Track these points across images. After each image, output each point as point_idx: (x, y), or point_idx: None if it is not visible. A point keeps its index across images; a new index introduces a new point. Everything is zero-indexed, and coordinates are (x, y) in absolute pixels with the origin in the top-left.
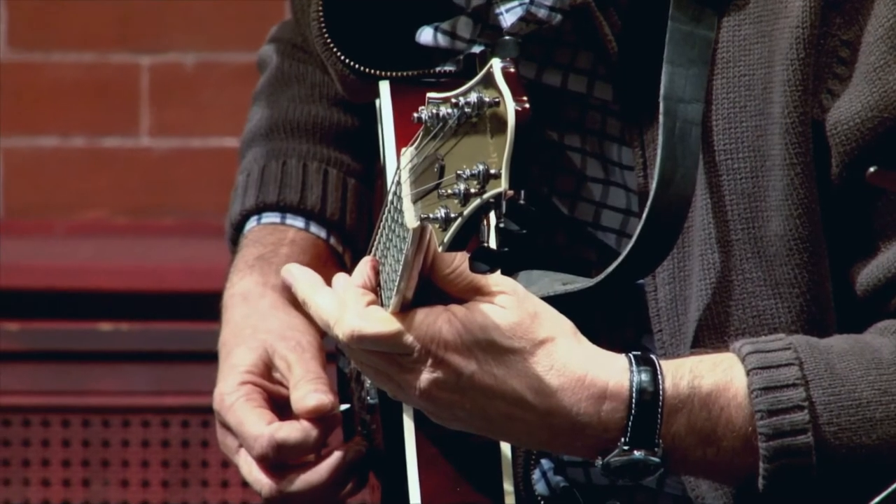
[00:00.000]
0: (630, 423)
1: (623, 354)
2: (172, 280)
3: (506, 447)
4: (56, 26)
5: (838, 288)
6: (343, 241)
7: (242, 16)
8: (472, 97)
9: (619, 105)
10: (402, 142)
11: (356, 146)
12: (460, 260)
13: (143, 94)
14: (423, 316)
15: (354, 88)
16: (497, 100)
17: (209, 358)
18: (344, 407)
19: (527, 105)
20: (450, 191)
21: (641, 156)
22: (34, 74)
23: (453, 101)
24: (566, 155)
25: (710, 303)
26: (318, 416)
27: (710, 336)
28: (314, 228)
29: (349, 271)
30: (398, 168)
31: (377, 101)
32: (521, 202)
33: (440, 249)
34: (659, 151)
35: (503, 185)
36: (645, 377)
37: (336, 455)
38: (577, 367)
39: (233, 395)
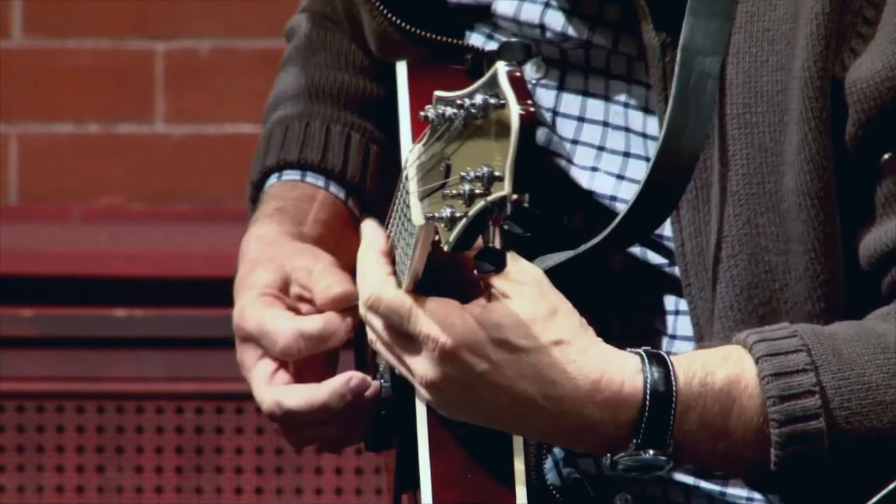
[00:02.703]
0: (643, 425)
1: (635, 354)
2: (188, 266)
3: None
4: (71, 12)
5: (849, 253)
6: (361, 205)
7: (258, 2)
8: (478, 99)
9: (645, 62)
10: (417, 130)
11: (381, 115)
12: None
13: (158, 81)
14: (436, 304)
15: (389, 46)
16: (502, 103)
17: (224, 344)
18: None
19: (531, 109)
20: (455, 191)
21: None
22: (49, 60)
23: (458, 102)
24: (587, 125)
25: (726, 256)
26: (342, 307)
27: (729, 291)
28: (333, 188)
29: None
30: (405, 165)
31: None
32: (525, 205)
33: (446, 248)
34: (670, 102)
35: (507, 188)
36: (658, 376)
37: (341, 378)
38: (592, 369)
39: (252, 307)
